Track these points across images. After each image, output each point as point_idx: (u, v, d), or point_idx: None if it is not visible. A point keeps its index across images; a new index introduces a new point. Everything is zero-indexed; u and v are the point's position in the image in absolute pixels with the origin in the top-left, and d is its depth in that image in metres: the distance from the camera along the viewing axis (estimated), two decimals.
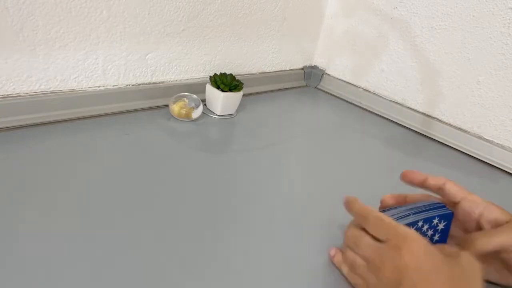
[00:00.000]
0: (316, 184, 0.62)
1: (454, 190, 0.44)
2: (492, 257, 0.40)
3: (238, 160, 0.64)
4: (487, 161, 0.80)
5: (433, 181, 0.45)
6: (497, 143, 0.79)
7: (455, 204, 0.44)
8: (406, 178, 0.47)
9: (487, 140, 0.80)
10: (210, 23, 0.77)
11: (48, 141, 0.57)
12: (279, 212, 0.52)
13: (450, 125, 0.85)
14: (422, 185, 0.46)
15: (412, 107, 0.91)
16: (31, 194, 0.46)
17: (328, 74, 1.07)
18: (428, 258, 0.34)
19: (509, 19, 0.73)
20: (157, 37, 0.70)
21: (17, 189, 0.46)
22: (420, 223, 0.42)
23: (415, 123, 0.90)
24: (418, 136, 0.88)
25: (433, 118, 0.87)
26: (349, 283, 0.41)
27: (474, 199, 0.43)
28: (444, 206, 0.44)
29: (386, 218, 0.38)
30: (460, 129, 0.83)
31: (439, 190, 0.45)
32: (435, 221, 0.43)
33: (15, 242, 0.39)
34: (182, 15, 0.72)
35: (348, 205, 0.43)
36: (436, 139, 0.86)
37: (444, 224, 0.43)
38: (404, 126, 0.91)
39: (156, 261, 0.40)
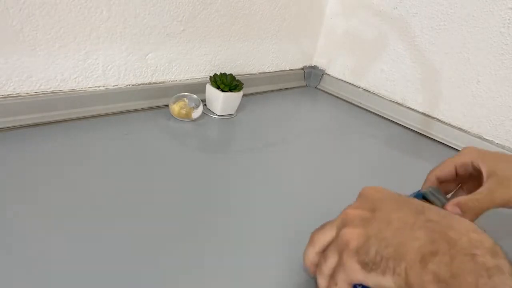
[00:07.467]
0: (315, 184, 0.62)
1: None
2: None
3: (238, 160, 0.64)
4: None
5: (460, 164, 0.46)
6: (497, 143, 0.79)
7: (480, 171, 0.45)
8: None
9: (487, 140, 0.80)
10: (210, 23, 0.77)
11: (48, 141, 0.57)
12: (279, 212, 0.52)
13: (450, 125, 0.85)
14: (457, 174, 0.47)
15: (412, 107, 0.91)
16: (31, 194, 0.46)
17: (328, 74, 1.07)
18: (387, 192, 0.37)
19: (509, 19, 0.73)
20: (157, 37, 0.70)
21: (17, 189, 0.46)
22: None
23: (415, 123, 0.90)
24: (418, 136, 0.88)
25: (433, 118, 0.87)
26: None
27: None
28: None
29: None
30: (460, 129, 0.83)
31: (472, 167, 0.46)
32: None
33: (15, 242, 0.39)
34: (182, 15, 0.72)
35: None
36: (436, 139, 0.86)
37: None
38: (404, 126, 0.91)
39: (156, 261, 0.40)
